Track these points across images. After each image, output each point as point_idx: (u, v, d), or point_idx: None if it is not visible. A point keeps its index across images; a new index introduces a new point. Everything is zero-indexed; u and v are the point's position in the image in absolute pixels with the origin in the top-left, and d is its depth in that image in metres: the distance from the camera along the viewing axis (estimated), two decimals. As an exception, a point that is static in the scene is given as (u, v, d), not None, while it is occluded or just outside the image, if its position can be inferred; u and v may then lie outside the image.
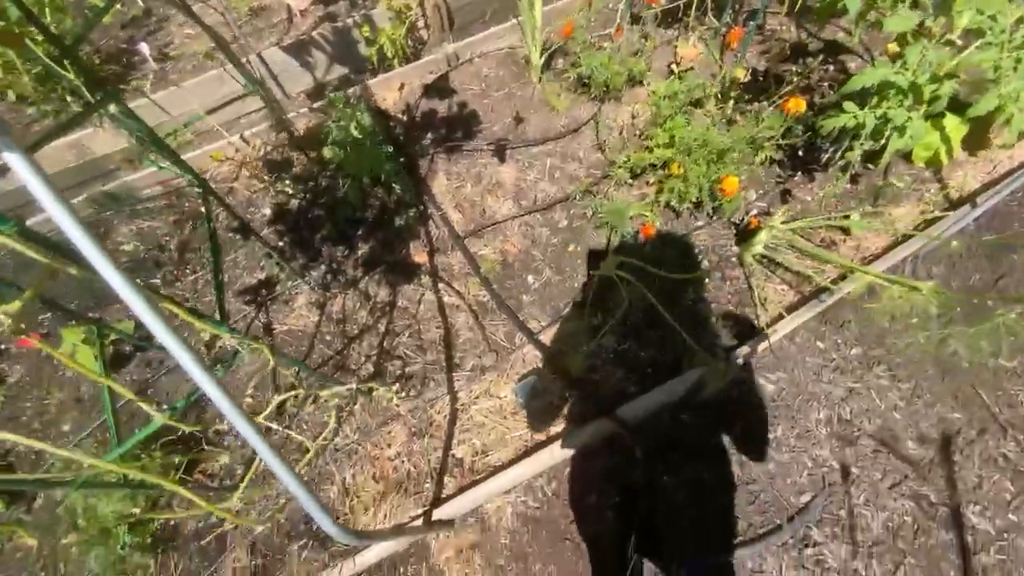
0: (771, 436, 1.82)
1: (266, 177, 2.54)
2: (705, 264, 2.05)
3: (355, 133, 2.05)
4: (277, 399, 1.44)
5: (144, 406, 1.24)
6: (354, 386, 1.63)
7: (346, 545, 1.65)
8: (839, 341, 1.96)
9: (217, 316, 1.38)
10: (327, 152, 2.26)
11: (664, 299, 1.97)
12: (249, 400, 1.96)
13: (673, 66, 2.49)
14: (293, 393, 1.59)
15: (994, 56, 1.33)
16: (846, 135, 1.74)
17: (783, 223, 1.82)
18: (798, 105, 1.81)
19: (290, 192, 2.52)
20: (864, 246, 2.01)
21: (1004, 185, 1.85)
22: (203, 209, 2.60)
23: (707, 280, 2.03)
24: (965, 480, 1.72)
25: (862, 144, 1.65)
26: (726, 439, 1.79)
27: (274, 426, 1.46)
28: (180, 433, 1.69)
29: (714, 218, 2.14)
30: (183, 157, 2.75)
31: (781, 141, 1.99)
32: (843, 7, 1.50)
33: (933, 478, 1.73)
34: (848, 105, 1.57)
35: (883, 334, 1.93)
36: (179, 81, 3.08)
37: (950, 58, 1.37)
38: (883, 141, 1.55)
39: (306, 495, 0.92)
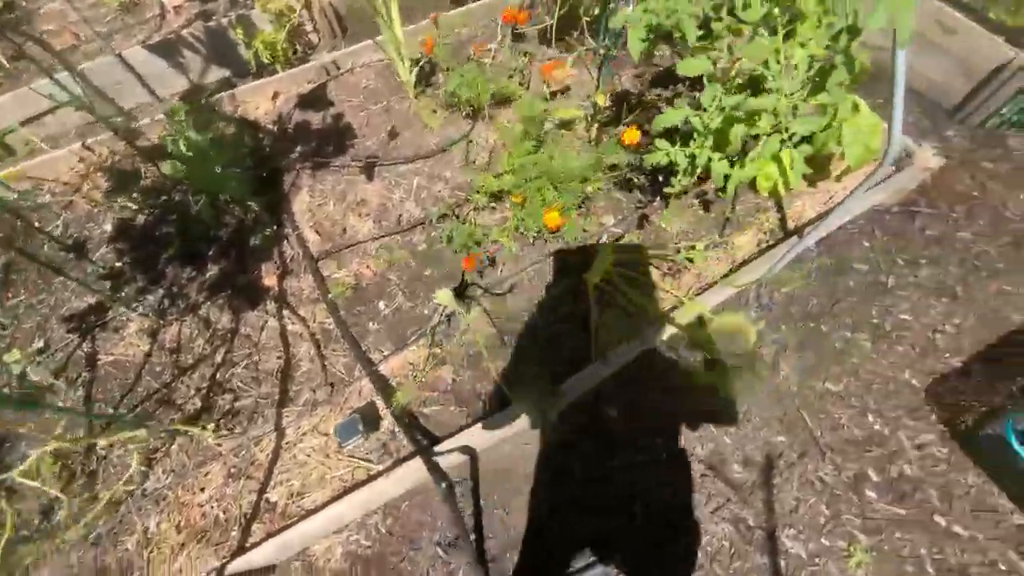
0: (611, 465, 1.83)
1: (105, 188, 2.34)
2: (555, 291, 2.04)
3: (184, 150, 1.91)
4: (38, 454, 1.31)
5: None
6: (145, 431, 1.51)
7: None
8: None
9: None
10: (166, 168, 2.11)
11: (509, 326, 1.94)
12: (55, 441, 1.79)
13: (543, 87, 2.48)
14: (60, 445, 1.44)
15: (771, 102, 1.36)
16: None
17: (611, 254, 1.82)
18: (632, 136, 1.82)
19: (135, 207, 2.34)
20: (705, 274, 2.06)
21: (832, 216, 1.93)
22: (36, 224, 2.37)
23: (555, 308, 2.02)
24: (783, 503, 1.78)
25: (680, 181, 1.68)
26: (560, 472, 1.79)
27: (30, 482, 1.32)
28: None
29: (568, 243, 2.14)
30: (23, 165, 2.52)
31: (626, 170, 2.01)
32: (628, 53, 1.52)
33: (753, 501, 1.78)
34: (660, 143, 1.59)
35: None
36: (29, 82, 2.81)
37: (742, 101, 1.40)
38: (692, 178, 1.58)
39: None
